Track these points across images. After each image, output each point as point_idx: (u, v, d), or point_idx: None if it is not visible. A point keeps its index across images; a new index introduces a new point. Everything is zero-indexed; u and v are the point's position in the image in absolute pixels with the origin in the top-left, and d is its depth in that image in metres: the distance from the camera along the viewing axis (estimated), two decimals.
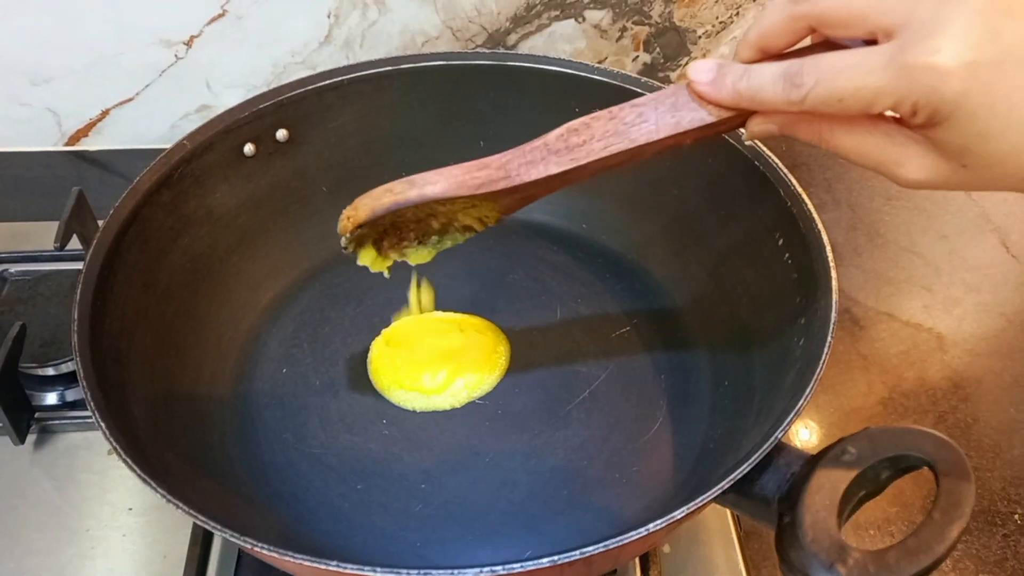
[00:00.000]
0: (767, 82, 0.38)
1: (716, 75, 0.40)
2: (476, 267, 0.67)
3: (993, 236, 0.80)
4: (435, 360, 0.59)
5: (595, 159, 0.43)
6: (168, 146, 0.57)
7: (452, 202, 0.47)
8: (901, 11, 0.34)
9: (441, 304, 0.64)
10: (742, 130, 0.49)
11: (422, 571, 0.37)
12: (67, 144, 0.81)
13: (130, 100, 0.78)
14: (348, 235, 0.48)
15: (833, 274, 0.49)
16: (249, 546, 0.39)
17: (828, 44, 0.39)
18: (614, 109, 0.43)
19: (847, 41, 0.38)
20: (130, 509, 0.58)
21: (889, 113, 0.37)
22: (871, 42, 0.36)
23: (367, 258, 0.50)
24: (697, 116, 0.41)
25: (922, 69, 0.33)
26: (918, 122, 0.35)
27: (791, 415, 0.43)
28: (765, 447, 0.41)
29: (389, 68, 0.64)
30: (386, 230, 0.50)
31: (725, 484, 0.40)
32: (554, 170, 0.44)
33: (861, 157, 0.38)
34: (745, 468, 0.41)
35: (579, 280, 0.67)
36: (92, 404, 0.44)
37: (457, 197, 0.45)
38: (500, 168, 0.45)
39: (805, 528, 0.38)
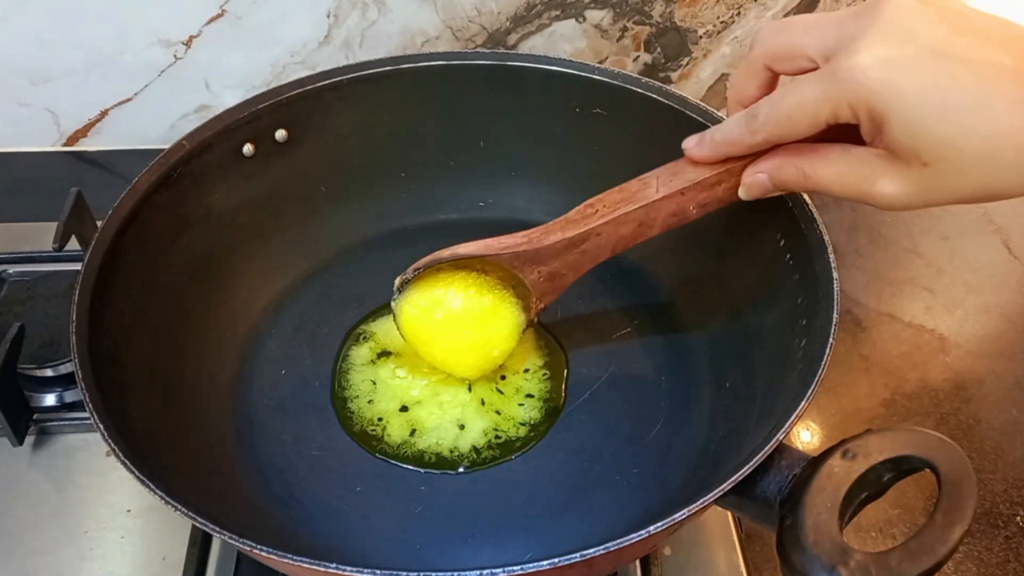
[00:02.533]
0: (732, 125, 0.45)
1: (699, 138, 0.48)
2: None
3: (995, 237, 0.80)
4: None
5: (605, 221, 0.51)
6: (167, 146, 0.57)
7: (487, 271, 0.54)
8: (832, 35, 0.40)
9: None
10: None
11: (421, 573, 0.37)
12: (66, 144, 0.81)
13: (129, 100, 0.78)
14: (399, 285, 0.55)
15: (835, 275, 0.49)
16: (248, 548, 0.39)
17: None
18: (623, 184, 0.51)
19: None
20: (129, 511, 0.58)
21: (840, 122, 0.40)
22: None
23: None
24: (691, 176, 0.49)
25: (845, 70, 0.38)
26: (867, 129, 0.39)
27: (792, 417, 0.42)
28: (766, 449, 0.41)
29: (389, 68, 0.64)
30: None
31: (726, 486, 0.40)
32: (570, 234, 0.52)
33: (842, 185, 0.42)
34: (746, 470, 0.41)
35: (579, 280, 0.66)
36: (90, 405, 0.44)
37: (486, 255, 0.53)
38: (524, 236, 0.53)
39: (807, 530, 0.38)
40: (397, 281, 0.55)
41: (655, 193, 0.50)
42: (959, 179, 0.38)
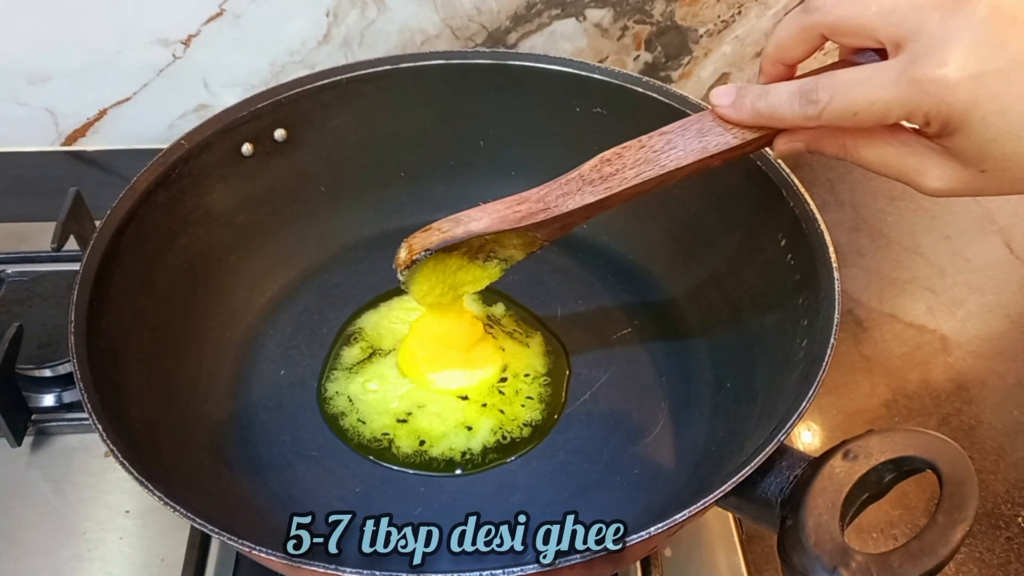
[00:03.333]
0: (784, 100, 0.41)
1: (736, 97, 0.43)
2: None
3: (997, 237, 0.80)
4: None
5: (628, 187, 0.46)
6: (166, 146, 0.57)
7: (496, 236, 0.49)
8: (910, 24, 0.36)
9: None
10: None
11: (422, 574, 0.37)
12: (64, 144, 0.80)
13: (127, 100, 0.78)
14: (403, 270, 0.51)
15: (836, 275, 0.49)
16: (247, 549, 0.39)
17: (845, 62, 0.41)
18: (643, 138, 0.46)
19: (857, 54, 0.41)
20: (127, 511, 0.57)
21: (908, 124, 0.38)
22: (881, 51, 0.38)
23: (418, 293, 0.53)
24: (723, 140, 0.44)
25: (930, 82, 0.35)
26: (933, 131, 0.37)
27: (794, 417, 0.42)
28: (768, 449, 0.41)
29: (388, 67, 0.64)
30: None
31: (727, 487, 0.40)
32: (590, 199, 0.47)
33: (885, 168, 0.40)
34: (747, 470, 0.40)
35: (579, 280, 0.66)
36: (89, 406, 0.44)
37: (501, 231, 0.48)
38: (539, 201, 0.48)
39: (808, 531, 0.38)
40: (404, 261, 0.51)
41: (683, 158, 0.45)
42: (1011, 184, 0.37)
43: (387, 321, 0.63)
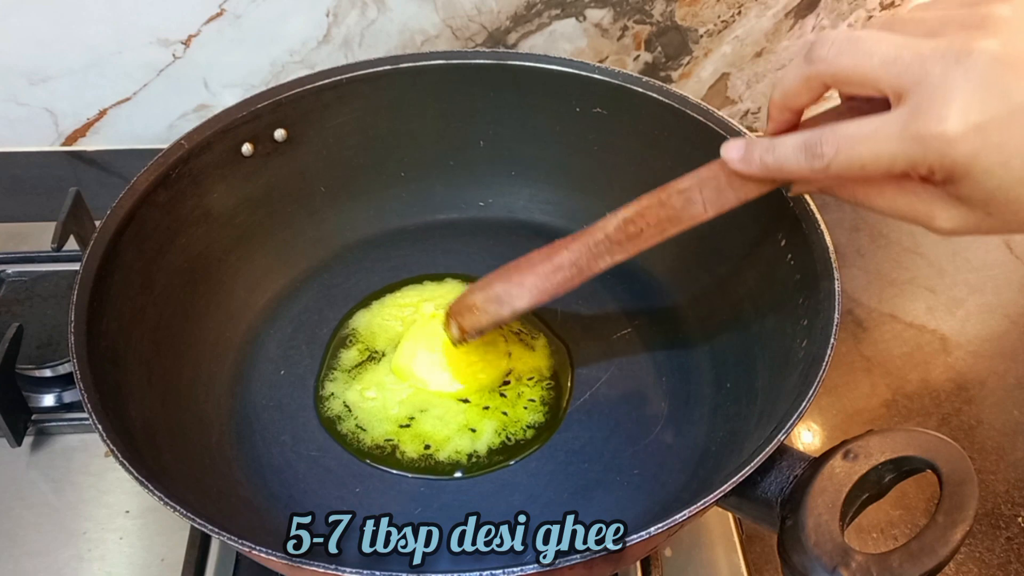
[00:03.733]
0: (791, 154, 0.41)
1: (745, 152, 0.44)
2: (477, 268, 0.67)
3: (996, 237, 0.80)
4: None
5: (653, 243, 0.49)
6: (165, 146, 0.57)
7: None
8: (911, 76, 0.36)
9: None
10: (745, 130, 0.51)
11: (421, 575, 0.37)
12: (64, 144, 0.80)
13: (127, 100, 0.78)
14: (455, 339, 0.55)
15: (836, 275, 0.49)
16: (247, 549, 0.39)
17: (848, 105, 0.42)
18: (662, 196, 0.48)
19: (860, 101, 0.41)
20: (127, 512, 0.57)
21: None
22: (883, 98, 0.38)
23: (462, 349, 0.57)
24: (739, 194, 0.46)
25: (932, 137, 0.35)
26: (938, 180, 0.37)
27: (794, 417, 0.42)
28: (768, 449, 0.41)
29: (388, 67, 0.64)
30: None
31: (727, 486, 0.40)
32: (620, 259, 0.50)
33: (896, 214, 0.41)
34: (748, 470, 0.40)
35: None
36: (89, 405, 0.44)
37: (543, 302, 0.52)
38: (572, 266, 0.51)
39: (808, 531, 0.38)
40: (455, 335, 0.55)
41: (703, 212, 0.47)
42: (1019, 225, 0.38)
43: (379, 319, 0.63)
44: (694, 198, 0.47)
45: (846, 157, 0.39)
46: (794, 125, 0.44)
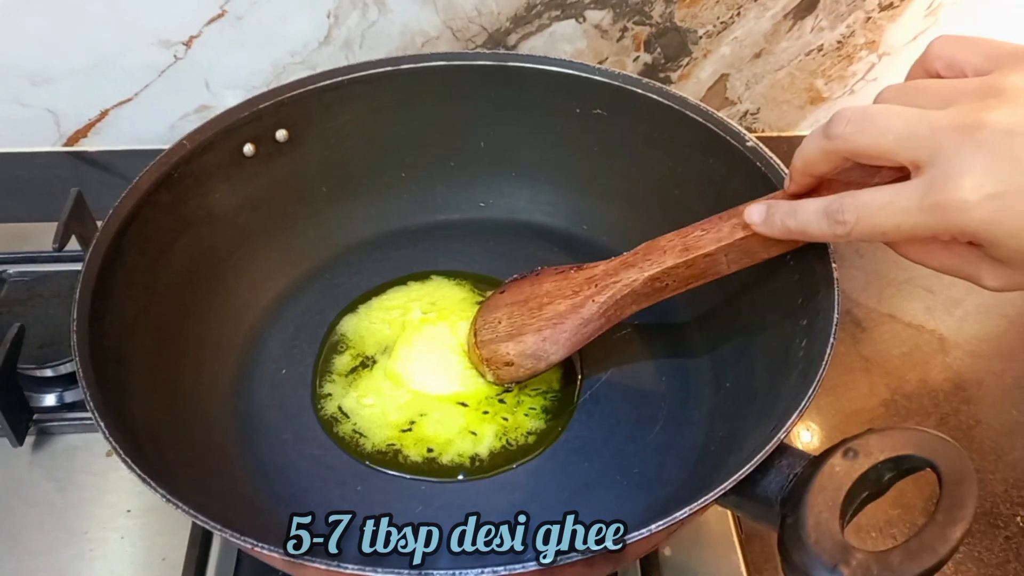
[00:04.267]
0: (812, 220, 0.43)
1: (767, 216, 0.47)
2: (476, 268, 0.67)
3: None
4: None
5: (678, 293, 0.53)
6: (167, 146, 0.57)
7: None
8: (926, 150, 0.37)
9: None
10: (744, 131, 0.51)
11: (423, 571, 0.37)
12: (66, 144, 0.81)
13: (129, 100, 0.78)
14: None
15: (835, 275, 0.49)
16: (250, 546, 0.39)
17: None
18: (687, 258, 0.51)
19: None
20: (129, 511, 0.58)
21: None
22: (903, 167, 0.39)
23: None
24: (762, 254, 0.50)
25: (949, 207, 0.36)
26: (966, 243, 0.39)
27: (793, 416, 0.42)
28: (767, 448, 0.41)
29: (389, 68, 0.64)
30: None
31: (727, 485, 0.40)
32: (645, 306, 0.55)
33: (947, 272, 0.42)
34: (747, 469, 0.41)
35: None
36: (91, 404, 0.44)
37: (579, 348, 0.56)
38: (601, 317, 0.54)
39: (808, 529, 0.38)
40: (490, 379, 0.58)
41: (726, 269, 0.51)
42: None
43: (367, 323, 0.63)
44: (719, 259, 0.50)
45: (867, 225, 0.40)
46: (814, 188, 0.45)
